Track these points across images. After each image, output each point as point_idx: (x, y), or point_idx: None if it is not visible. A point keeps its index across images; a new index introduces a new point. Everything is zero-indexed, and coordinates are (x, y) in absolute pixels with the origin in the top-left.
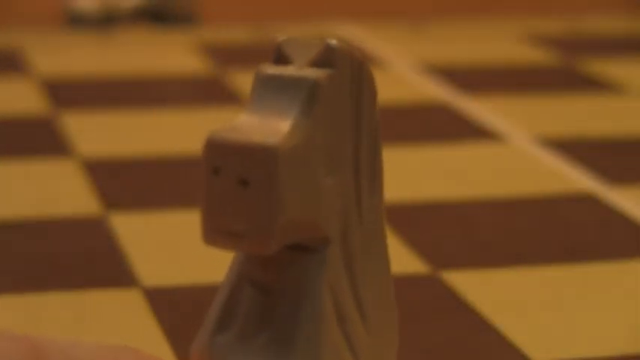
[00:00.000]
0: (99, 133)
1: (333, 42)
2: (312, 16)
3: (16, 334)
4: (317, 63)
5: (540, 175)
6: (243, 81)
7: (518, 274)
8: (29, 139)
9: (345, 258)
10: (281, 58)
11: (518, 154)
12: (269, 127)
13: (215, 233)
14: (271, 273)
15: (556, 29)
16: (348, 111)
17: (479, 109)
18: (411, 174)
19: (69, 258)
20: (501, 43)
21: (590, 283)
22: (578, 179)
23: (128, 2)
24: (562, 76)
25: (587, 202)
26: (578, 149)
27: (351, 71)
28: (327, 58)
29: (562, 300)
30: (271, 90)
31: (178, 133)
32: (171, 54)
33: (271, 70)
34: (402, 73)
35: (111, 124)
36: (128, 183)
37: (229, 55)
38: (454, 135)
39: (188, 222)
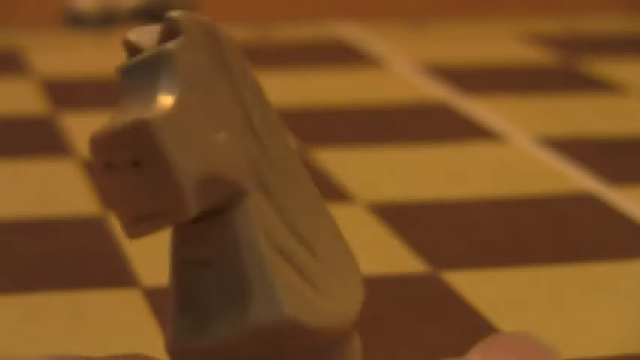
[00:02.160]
0: None
1: (174, 14)
2: (312, 16)
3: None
4: (165, 39)
5: (540, 175)
6: None
7: (518, 274)
8: (29, 139)
9: (271, 203)
10: (133, 50)
11: (518, 154)
12: (140, 107)
13: (133, 225)
14: (204, 245)
15: (556, 29)
16: (215, 70)
17: (479, 109)
18: (411, 174)
19: (69, 258)
20: (501, 43)
21: (591, 283)
22: (578, 179)
23: (128, 2)
24: (562, 76)
25: (587, 202)
26: (578, 149)
27: (204, 34)
28: (172, 30)
29: (562, 300)
30: (134, 78)
31: None
32: None
33: (128, 61)
34: (402, 73)
35: None
36: None
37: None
38: (454, 135)
39: None
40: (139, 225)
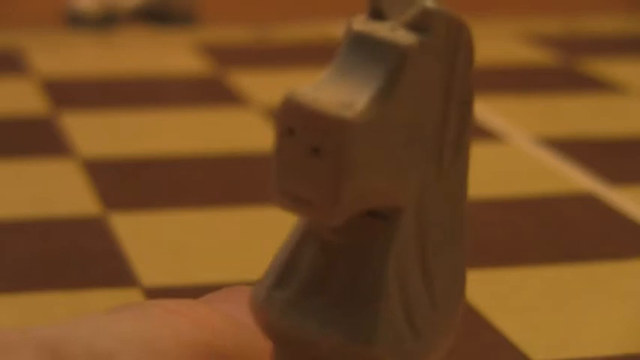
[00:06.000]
0: (99, 133)
1: (431, 4)
2: (312, 16)
3: (30, 334)
4: (411, 25)
5: (540, 175)
6: (243, 81)
7: (518, 274)
8: (29, 139)
9: (417, 230)
10: (376, 13)
11: (518, 154)
12: (349, 96)
13: (283, 196)
14: (339, 234)
15: (556, 29)
16: (438, 79)
17: (479, 109)
18: None
19: (68, 258)
20: (501, 43)
21: (590, 283)
22: (578, 179)
23: (128, 2)
24: (562, 76)
25: (587, 202)
26: (578, 149)
27: (447, 36)
28: (422, 21)
29: (562, 300)
30: (359, 51)
31: (178, 133)
32: (171, 54)
33: (362, 27)
34: None
35: (111, 124)
36: (128, 183)
37: (229, 55)
38: None
39: (188, 222)
40: (287, 199)
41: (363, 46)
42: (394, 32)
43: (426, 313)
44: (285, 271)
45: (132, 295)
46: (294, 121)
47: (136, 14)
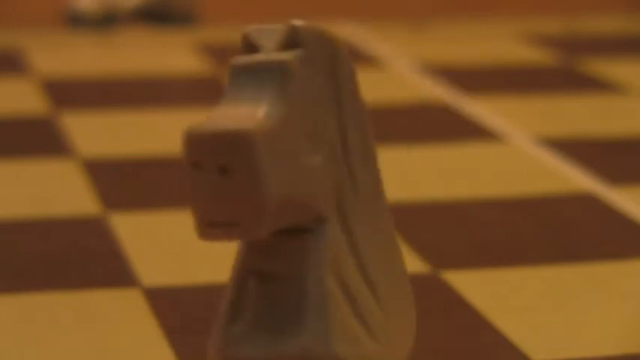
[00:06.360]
0: (99, 133)
1: (298, 23)
2: (312, 16)
3: None
4: (285, 46)
5: (540, 175)
6: None
7: (518, 274)
8: (29, 139)
9: (346, 235)
10: (250, 47)
11: (518, 154)
12: (244, 114)
13: (207, 227)
14: (272, 260)
15: (556, 29)
16: (325, 89)
17: (479, 109)
18: (411, 174)
19: (69, 258)
20: (501, 43)
21: (590, 283)
22: (578, 179)
23: (128, 2)
24: (562, 76)
25: (587, 202)
26: (578, 149)
27: (323, 50)
28: (294, 39)
29: (562, 300)
30: (244, 79)
31: (178, 133)
32: (171, 54)
33: (242, 59)
34: (402, 73)
35: (111, 124)
36: (128, 183)
37: (229, 55)
38: (454, 135)
39: (188, 222)
40: (213, 229)
41: (246, 75)
42: (271, 55)
43: (376, 315)
44: (233, 309)
45: (132, 295)
46: (200, 152)
47: (136, 14)
